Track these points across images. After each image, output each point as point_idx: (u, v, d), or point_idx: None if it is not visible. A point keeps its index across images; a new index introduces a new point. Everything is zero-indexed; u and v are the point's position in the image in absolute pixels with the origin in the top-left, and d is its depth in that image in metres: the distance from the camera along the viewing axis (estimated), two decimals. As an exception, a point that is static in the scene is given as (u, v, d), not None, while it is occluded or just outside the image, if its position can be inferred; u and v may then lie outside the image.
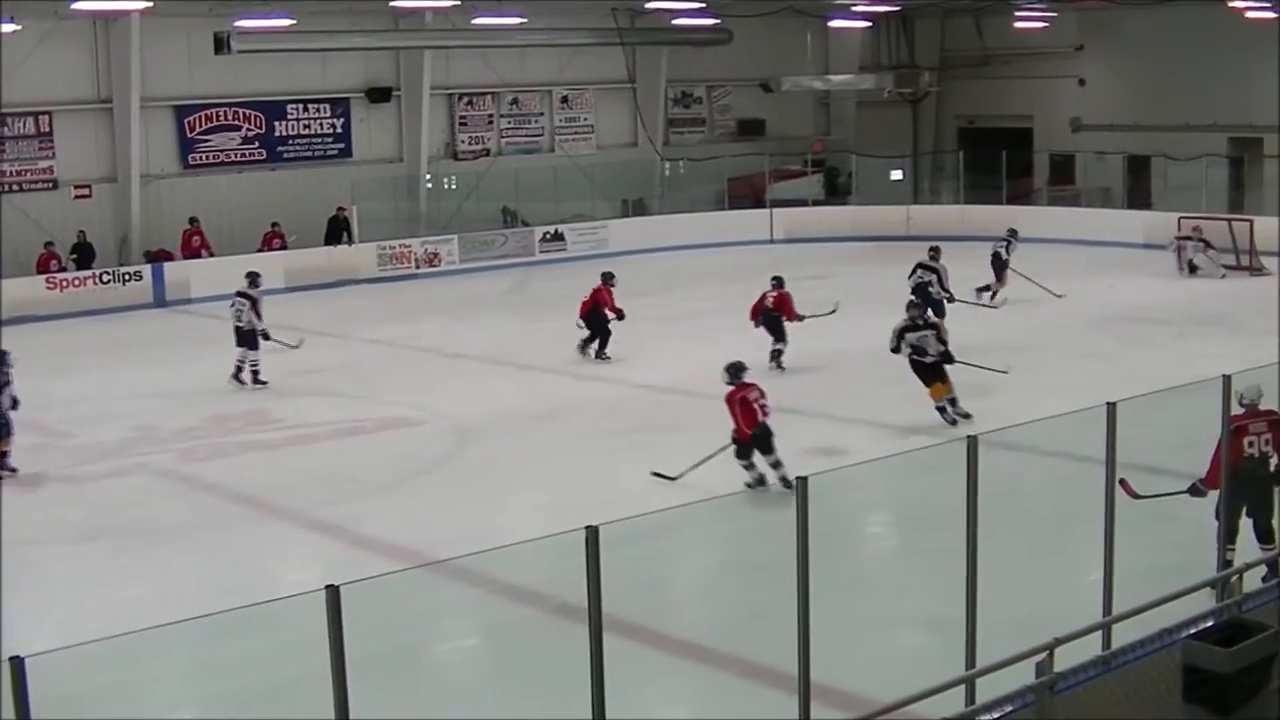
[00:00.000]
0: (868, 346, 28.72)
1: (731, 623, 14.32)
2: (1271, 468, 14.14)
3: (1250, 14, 42.66)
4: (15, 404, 21.33)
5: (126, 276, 36.89)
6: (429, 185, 44.76)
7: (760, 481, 18.83)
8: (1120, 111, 48.98)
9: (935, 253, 30.03)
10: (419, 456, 21.48)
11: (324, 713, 8.13)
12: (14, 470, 20.81)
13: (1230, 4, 41.86)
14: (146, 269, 37.30)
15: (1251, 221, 37.85)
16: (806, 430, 21.94)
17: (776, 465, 18.61)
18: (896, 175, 50.50)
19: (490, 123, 46.85)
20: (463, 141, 46.20)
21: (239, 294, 27.65)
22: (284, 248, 39.65)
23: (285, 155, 42.33)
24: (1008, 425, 13.81)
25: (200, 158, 40.69)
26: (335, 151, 43.33)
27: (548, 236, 43.99)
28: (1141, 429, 13.31)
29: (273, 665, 13.10)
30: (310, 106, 42.79)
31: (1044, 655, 9.92)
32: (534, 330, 32.08)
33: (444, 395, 25.57)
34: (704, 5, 43.91)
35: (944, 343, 22.52)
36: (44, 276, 36.00)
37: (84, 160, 38.65)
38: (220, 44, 37.31)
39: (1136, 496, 13.82)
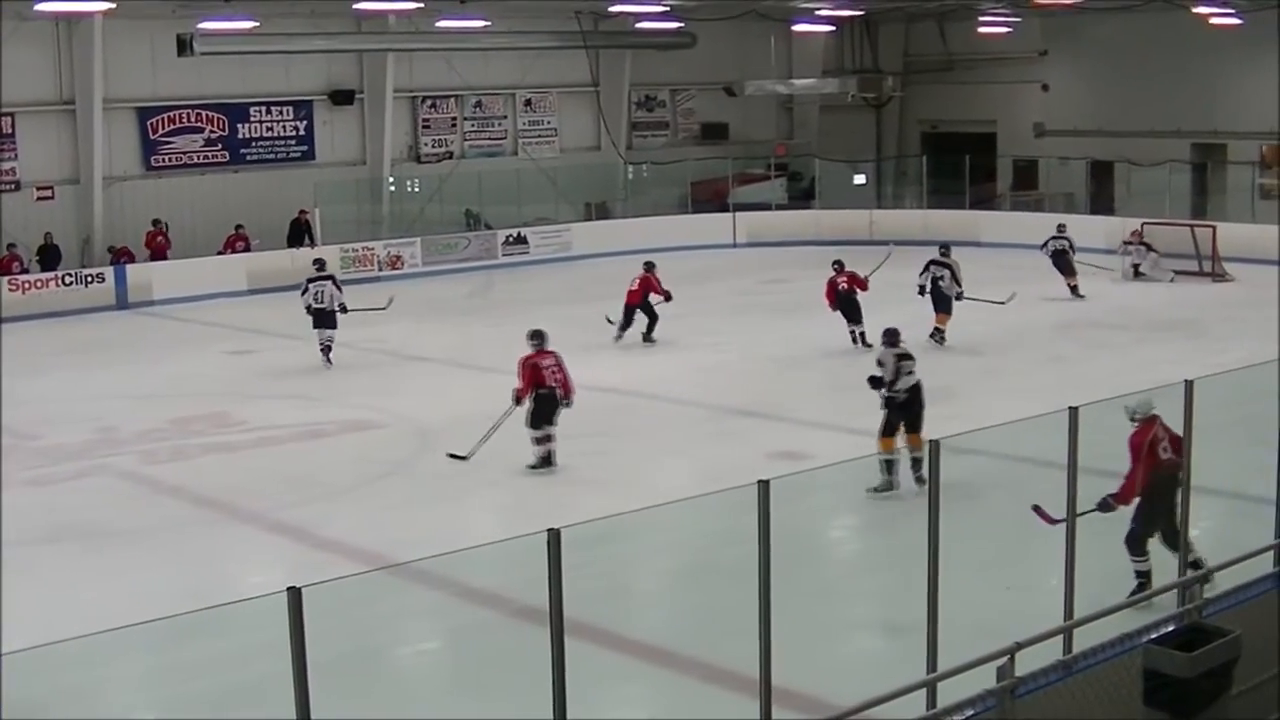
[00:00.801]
0: (828, 350, 28.88)
1: (693, 626, 14.33)
2: (1179, 472, 13.97)
3: (1214, 20, 42.87)
4: None
5: (89, 278, 36.76)
6: (392, 188, 44.72)
7: (545, 462, 20.10)
8: (1084, 117, 49.12)
9: (946, 250, 30.68)
10: (381, 459, 21.45)
11: (285, 715, 8.12)
12: None
13: (1194, 10, 42.05)
14: (109, 271, 37.17)
15: (1214, 228, 37.98)
16: (767, 434, 22.00)
17: (550, 438, 20.20)
18: (860, 180, 50.59)
19: (453, 125, 46.83)
20: (426, 144, 46.17)
21: (317, 278, 29.17)
22: (248, 249, 39.56)
23: (248, 157, 42.24)
24: (970, 430, 13.80)
25: (163, 160, 40.57)
26: (298, 154, 43.26)
27: (511, 240, 43.96)
28: (1102, 434, 13.37)
29: (234, 668, 13.06)
30: (273, 109, 42.71)
31: (1005, 659, 9.92)
32: (497, 333, 31.95)
33: (406, 398, 25.56)
34: (668, 9, 43.94)
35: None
36: (6, 278, 35.83)
37: (46, 161, 38.51)
38: (183, 46, 37.20)
39: (1052, 522, 13.66)
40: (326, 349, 28.66)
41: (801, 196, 49.86)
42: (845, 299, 29.26)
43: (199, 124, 41.21)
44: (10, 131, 37.85)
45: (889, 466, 18.34)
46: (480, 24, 42.27)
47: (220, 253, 39.22)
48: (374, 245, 41.37)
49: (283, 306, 32.87)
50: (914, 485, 17.53)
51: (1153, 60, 46.39)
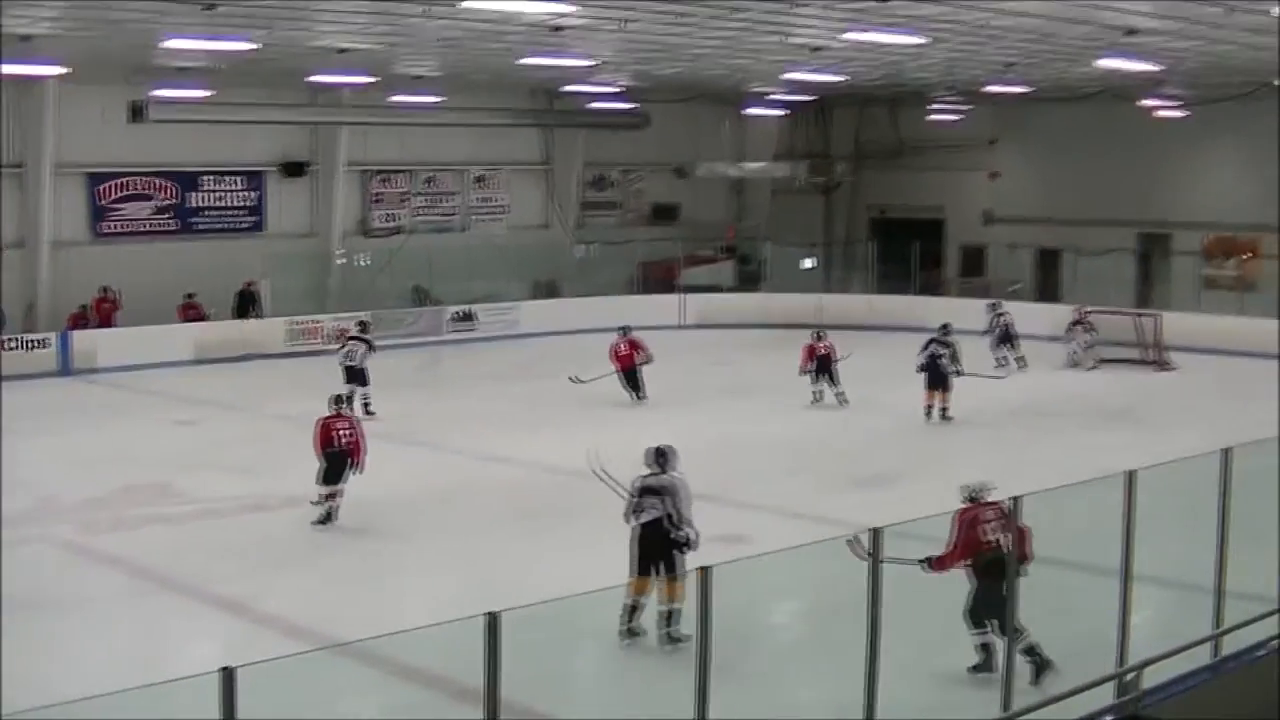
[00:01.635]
0: (772, 434, 28.93)
1: (630, 710, 14.26)
2: (1005, 555, 14.16)
3: (1160, 112, 43.35)
4: None
5: (32, 343, 36.57)
6: (341, 261, 44.65)
7: (327, 518, 21.54)
8: (1032, 205, 49.43)
9: (946, 330, 31.58)
10: (321, 534, 21.31)
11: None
12: None
13: (1140, 102, 42.49)
14: (53, 337, 37.00)
15: (1159, 317, 38.27)
16: (710, 517, 21.87)
17: (333, 496, 21.64)
18: (808, 264, 50.78)
19: (404, 200, 46.88)
20: (376, 218, 46.20)
21: (353, 338, 31.91)
22: (200, 318, 39.48)
23: (198, 226, 42.18)
24: (914, 518, 13.81)
25: (112, 226, 40.49)
26: (248, 224, 43.22)
27: (458, 316, 43.94)
28: (1043, 521, 13.40)
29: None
30: (224, 178, 42.70)
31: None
32: (441, 409, 31.99)
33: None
34: (621, 90, 44.12)
35: None
36: (-52, 342, 35.61)
37: (-8, 224, 38.35)
38: (136, 112, 37.21)
39: (865, 559, 14.05)
40: (365, 404, 30.51)
41: (750, 279, 50.02)
42: (821, 362, 32.51)
43: (149, 191, 41.14)
44: (-42, 194, 37.73)
45: (630, 613, 15.72)
46: (433, 100, 42.40)
47: (177, 321, 39.11)
48: (321, 318, 41.25)
49: (229, 377, 32.81)
50: (669, 643, 15.43)
51: (1100, 150, 46.74)
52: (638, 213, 52.83)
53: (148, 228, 41.21)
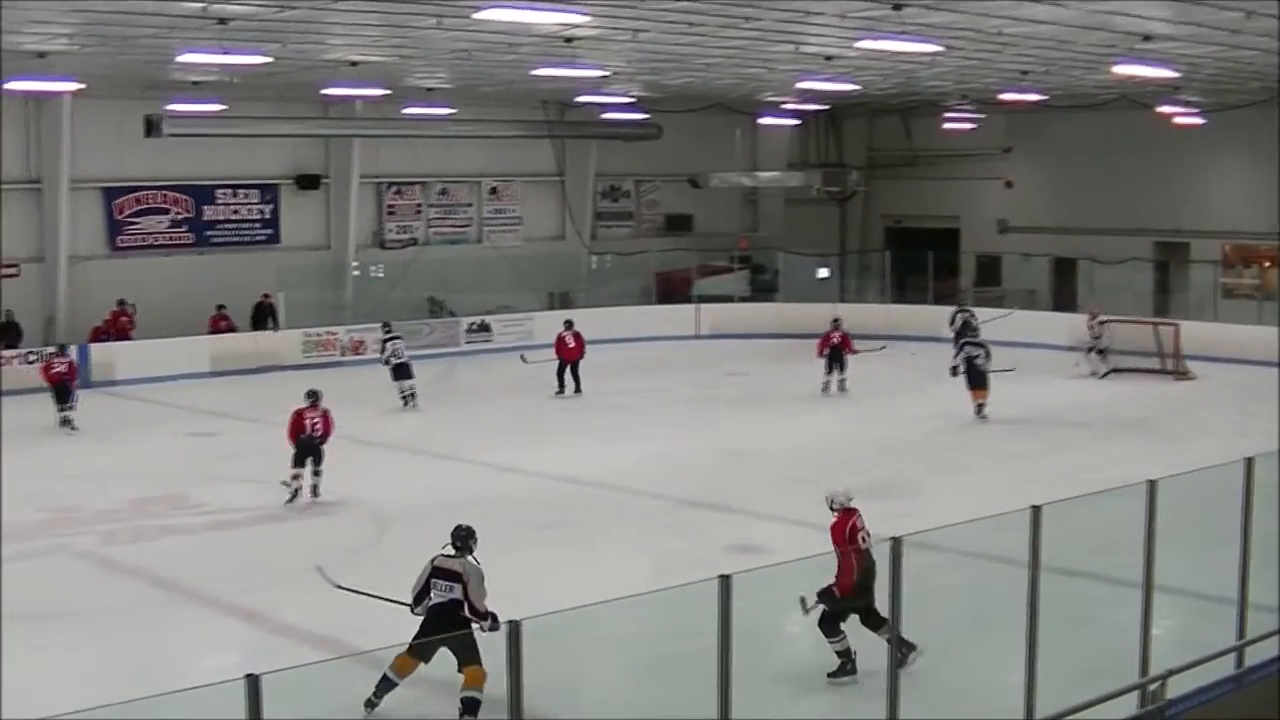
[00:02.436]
0: (787, 444, 28.91)
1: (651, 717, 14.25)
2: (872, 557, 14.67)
3: (1177, 119, 43.19)
4: None
5: (52, 356, 36.59)
6: (356, 273, 44.69)
7: (295, 495, 24.05)
8: (1047, 214, 49.39)
9: (976, 331, 33.76)
10: (337, 544, 21.32)
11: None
12: None
13: (1158, 109, 42.37)
14: (73, 350, 37.00)
15: (1177, 326, 38.16)
16: (725, 527, 21.96)
17: (316, 474, 24.38)
18: (823, 273, 50.66)
19: (418, 212, 46.91)
20: (390, 230, 46.22)
21: (392, 337, 34.86)
22: (231, 329, 39.53)
23: (213, 239, 42.27)
24: (931, 528, 13.79)
25: (128, 240, 40.58)
26: (263, 237, 43.29)
27: (474, 327, 43.95)
28: (1062, 531, 13.37)
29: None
30: (239, 191, 42.77)
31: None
32: (456, 420, 32.01)
33: (364, 483, 25.45)
34: (633, 100, 44.12)
35: None
36: (-31, 356, 35.69)
37: (11, 239, 38.38)
38: (151, 127, 37.23)
39: (807, 611, 14.81)
40: (410, 396, 33.72)
41: (764, 289, 49.97)
42: (835, 350, 34.87)
43: (165, 205, 41.23)
44: (-24, 209, 37.85)
45: (380, 684, 13.98)
46: (447, 112, 42.43)
47: (209, 333, 39.30)
48: (337, 330, 41.27)
49: (246, 389, 32.82)
50: None
51: (1116, 158, 46.68)
52: (651, 223, 52.85)
53: (164, 241, 41.29)
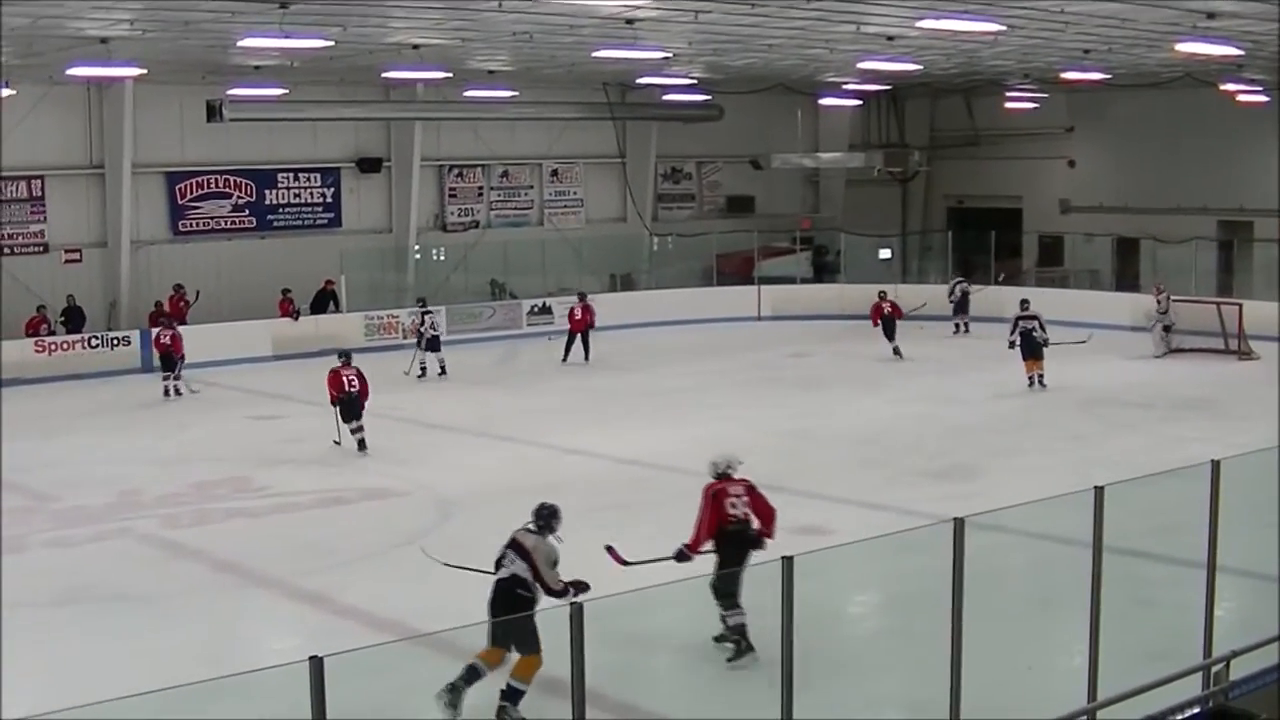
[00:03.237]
0: (851, 425, 28.86)
1: (712, 700, 14.24)
2: (750, 530, 15.24)
3: (1241, 97, 42.87)
4: None
5: (115, 341, 36.92)
6: (417, 256, 44.80)
7: (362, 445, 26.51)
8: (1109, 193, 49.16)
9: (1027, 304, 33.52)
10: (401, 527, 21.35)
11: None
12: None
13: (1221, 87, 42.05)
14: (135, 334, 37.30)
15: (1240, 305, 37.86)
16: (790, 509, 21.87)
17: (357, 430, 26.62)
18: (885, 254, 50.58)
19: (480, 195, 46.99)
20: (452, 213, 46.30)
21: (429, 310, 36.83)
22: (297, 314, 39.74)
23: (275, 224, 42.46)
24: (993, 509, 13.74)
25: (190, 225, 40.79)
26: (325, 221, 43.44)
27: (535, 310, 43.97)
28: (1124, 512, 13.30)
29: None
30: (300, 175, 42.93)
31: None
32: (518, 403, 32.02)
33: (426, 467, 25.54)
34: (694, 82, 44.05)
35: None
36: (33, 340, 35.96)
37: (75, 225, 38.77)
38: (213, 112, 37.46)
39: (624, 564, 15.10)
40: (442, 368, 35.82)
41: (826, 270, 49.84)
42: (887, 320, 37.58)
43: (227, 189, 41.42)
44: (40, 194, 38.13)
45: (466, 675, 13.29)
46: (508, 94, 42.48)
47: (280, 316, 39.56)
48: (398, 313, 41.34)
49: (307, 372, 32.91)
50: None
51: (1179, 137, 46.43)
52: (713, 205, 52.82)
53: (226, 226, 41.49)
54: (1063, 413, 29.88)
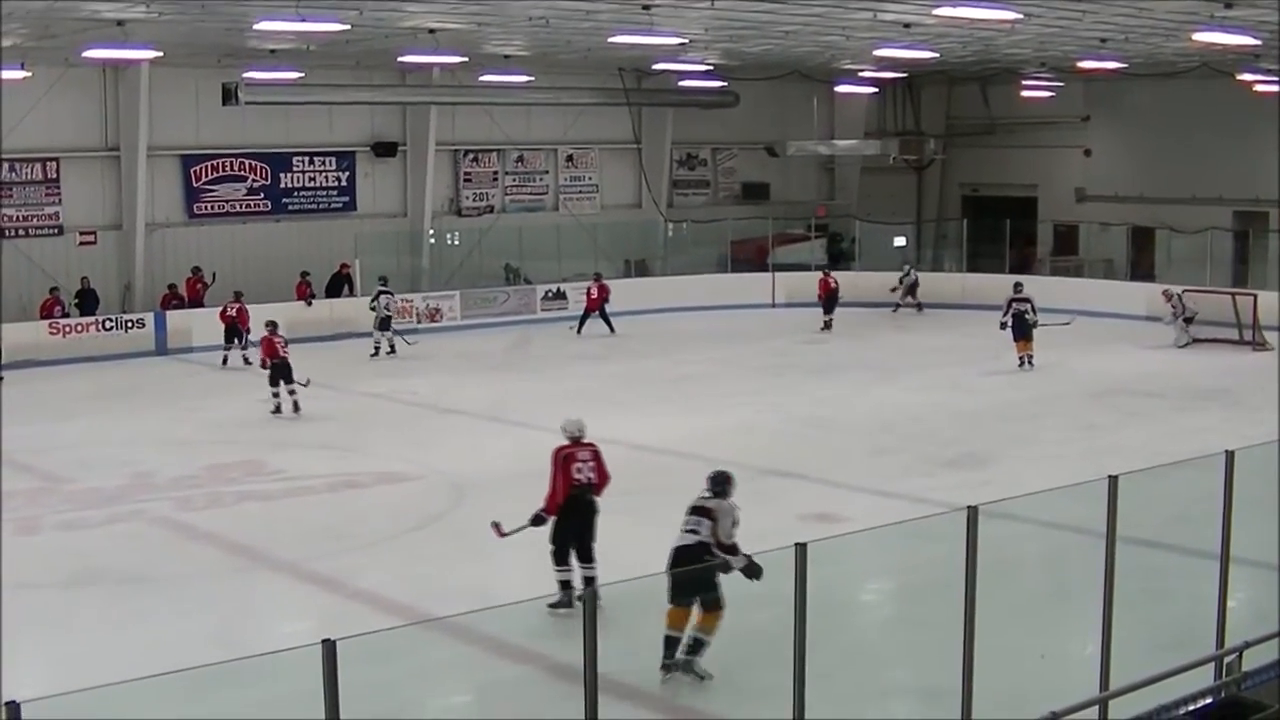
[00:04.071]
0: (865, 412, 28.85)
1: (723, 687, 14.23)
2: (591, 494, 16.28)
3: (1258, 87, 42.75)
4: None
5: (129, 323, 36.97)
6: (432, 240, 44.83)
7: (277, 410, 28.79)
8: (1125, 183, 49.05)
9: (1020, 286, 34.14)
10: (414, 512, 21.39)
11: (315, 769, 8.08)
12: None
13: (1237, 77, 41.94)
14: (149, 316, 37.36)
15: (1255, 296, 37.77)
16: (802, 495, 21.91)
17: (292, 393, 28.79)
18: (900, 242, 50.58)
19: (495, 180, 46.98)
20: (467, 198, 46.31)
21: (385, 291, 37.33)
22: (313, 298, 39.85)
23: (290, 207, 42.48)
24: (1007, 497, 13.73)
25: (205, 207, 40.81)
26: (340, 204, 43.47)
27: (550, 295, 43.98)
28: (1138, 502, 13.28)
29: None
30: (316, 159, 42.95)
31: (1039, 729, 9.87)
32: (532, 388, 32.01)
33: (440, 451, 25.54)
34: (710, 68, 44.01)
35: None
36: (47, 322, 36.02)
37: (90, 207, 38.81)
38: (228, 95, 37.44)
39: (503, 534, 16.03)
40: (392, 347, 36.83)
41: (841, 258, 49.77)
42: (831, 295, 40.91)
43: (242, 173, 41.43)
44: (55, 176, 38.16)
45: (667, 646, 13.92)
46: (523, 79, 42.45)
47: (297, 300, 39.64)
48: (413, 297, 41.38)
49: (319, 356, 32.98)
50: (682, 674, 13.95)
51: (1195, 127, 46.31)
52: (728, 191, 52.79)
53: (241, 209, 41.52)
54: (1076, 402, 29.84)
